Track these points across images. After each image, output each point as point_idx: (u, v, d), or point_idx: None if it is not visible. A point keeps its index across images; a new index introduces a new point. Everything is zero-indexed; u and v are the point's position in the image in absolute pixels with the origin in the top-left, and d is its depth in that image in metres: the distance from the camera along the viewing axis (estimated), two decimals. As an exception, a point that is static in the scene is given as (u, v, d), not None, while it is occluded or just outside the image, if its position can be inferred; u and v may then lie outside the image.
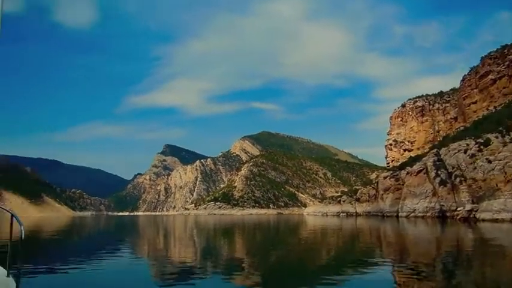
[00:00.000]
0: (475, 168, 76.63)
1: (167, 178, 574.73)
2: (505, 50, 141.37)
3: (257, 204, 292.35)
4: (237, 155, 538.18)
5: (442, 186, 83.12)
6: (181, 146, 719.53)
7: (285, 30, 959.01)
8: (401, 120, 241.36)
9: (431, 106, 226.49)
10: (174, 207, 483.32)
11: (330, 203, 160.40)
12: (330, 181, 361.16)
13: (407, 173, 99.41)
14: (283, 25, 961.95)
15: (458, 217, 73.18)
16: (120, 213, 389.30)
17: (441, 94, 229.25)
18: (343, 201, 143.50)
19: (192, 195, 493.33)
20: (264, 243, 36.66)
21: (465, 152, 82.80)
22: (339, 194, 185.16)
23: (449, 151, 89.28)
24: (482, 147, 79.77)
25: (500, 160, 72.62)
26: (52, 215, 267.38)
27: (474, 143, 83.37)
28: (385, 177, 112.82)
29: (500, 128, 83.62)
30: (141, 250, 29.89)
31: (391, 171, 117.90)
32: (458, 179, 80.00)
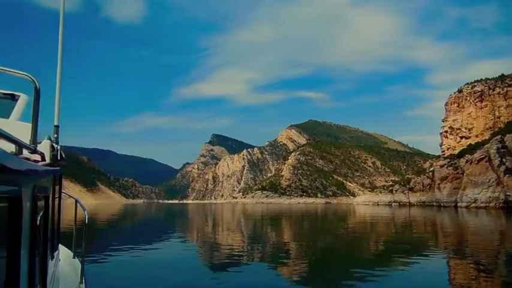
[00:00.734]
0: (545, 155, 70.64)
1: (215, 167, 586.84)
2: None
3: (304, 193, 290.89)
4: (284, 144, 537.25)
5: (507, 175, 77.85)
6: (228, 135, 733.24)
7: (332, 16, 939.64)
8: (457, 106, 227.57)
9: (491, 90, 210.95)
10: (222, 195, 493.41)
11: (381, 193, 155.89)
12: (380, 170, 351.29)
13: (467, 161, 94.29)
14: (330, 11, 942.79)
15: (525, 208, 68.04)
16: (170, 202, 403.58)
17: (502, 77, 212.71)
18: (396, 191, 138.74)
19: (239, 184, 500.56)
20: (311, 232, 35.90)
21: (533, 138, 76.66)
22: (390, 183, 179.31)
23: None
24: (552, 132, 73.32)
25: None
26: (106, 202, 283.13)
27: (543, 128, 76.81)
28: (441, 166, 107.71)
29: None
30: (191, 236, 30.39)
31: (448, 160, 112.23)
32: (525, 168, 74.43)
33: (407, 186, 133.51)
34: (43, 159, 3.71)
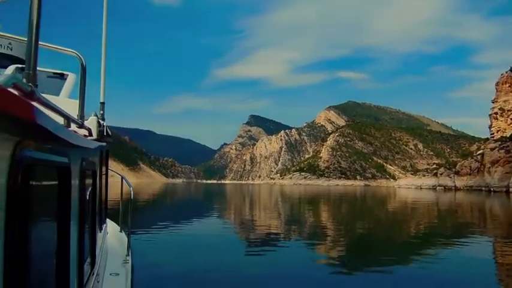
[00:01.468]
0: None
1: (252, 148, 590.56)
2: None
3: (343, 175, 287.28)
4: (322, 126, 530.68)
5: None
6: (266, 116, 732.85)
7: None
8: (509, 86, 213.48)
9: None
10: (259, 176, 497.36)
11: (424, 176, 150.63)
12: (422, 153, 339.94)
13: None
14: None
15: None
16: (208, 181, 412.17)
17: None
18: (441, 174, 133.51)
19: (277, 165, 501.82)
20: (350, 214, 35.24)
21: None
22: (434, 166, 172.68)
23: None
24: None
25: None
26: (147, 181, 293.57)
27: None
28: (492, 149, 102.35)
29: None
30: (230, 216, 30.78)
31: (499, 142, 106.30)
32: None
33: (453, 169, 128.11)
34: (90, 134, 3.85)
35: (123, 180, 6.90)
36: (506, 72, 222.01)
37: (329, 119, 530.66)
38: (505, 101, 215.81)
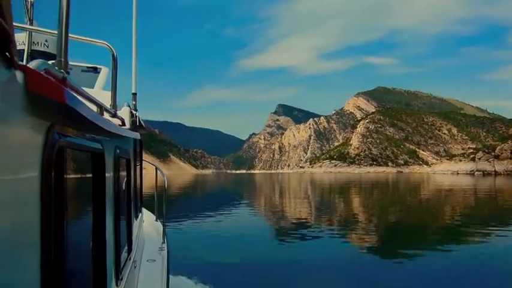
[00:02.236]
0: None
1: (281, 137, 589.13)
2: None
3: (374, 162, 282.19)
4: (351, 113, 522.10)
5: None
6: (293, 105, 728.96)
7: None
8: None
9: None
10: (289, 165, 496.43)
11: (460, 161, 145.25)
12: (456, 137, 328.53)
13: None
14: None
15: None
16: (238, 172, 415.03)
17: None
18: (479, 159, 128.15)
19: (306, 153, 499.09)
20: (382, 202, 34.33)
21: None
22: (471, 150, 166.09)
23: None
24: None
25: None
26: (178, 172, 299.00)
27: None
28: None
29: None
30: (262, 205, 30.74)
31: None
32: None
33: (492, 153, 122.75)
34: (123, 124, 3.90)
35: (157, 171, 6.98)
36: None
37: (358, 106, 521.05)
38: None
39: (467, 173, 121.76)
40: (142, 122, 5.22)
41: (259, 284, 8.77)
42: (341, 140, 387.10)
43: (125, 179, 3.64)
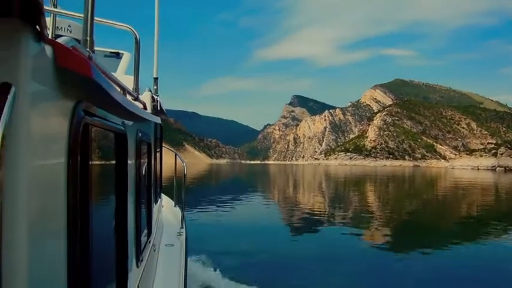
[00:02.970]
0: None
1: (296, 128, 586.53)
2: None
3: (391, 156, 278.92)
4: (368, 105, 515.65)
5: None
6: (309, 96, 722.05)
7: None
8: None
9: None
10: (303, 157, 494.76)
11: (481, 156, 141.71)
12: (475, 132, 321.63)
13: None
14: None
15: None
16: (252, 162, 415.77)
17: None
18: (501, 154, 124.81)
19: (321, 145, 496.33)
20: (398, 196, 33.82)
21: None
22: (492, 145, 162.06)
23: None
24: None
25: None
26: (192, 162, 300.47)
27: None
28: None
29: None
30: (277, 196, 30.88)
31: None
32: None
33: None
34: (145, 108, 3.89)
35: (177, 157, 7.03)
36: None
37: (375, 98, 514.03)
38: None
39: (488, 169, 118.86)
40: (163, 107, 5.30)
41: (273, 271, 8.89)
42: (357, 133, 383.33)
43: (146, 162, 3.63)
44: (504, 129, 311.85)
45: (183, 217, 6.28)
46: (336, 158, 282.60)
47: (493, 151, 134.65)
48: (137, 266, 2.84)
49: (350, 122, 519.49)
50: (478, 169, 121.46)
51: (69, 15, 2.78)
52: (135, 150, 2.74)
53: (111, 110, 1.90)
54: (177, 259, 4.81)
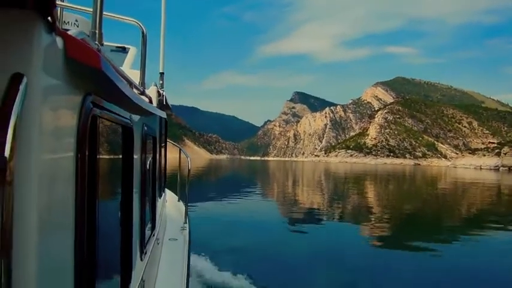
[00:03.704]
0: None
1: (296, 125, 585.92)
2: None
3: (391, 154, 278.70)
4: (368, 102, 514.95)
5: None
6: (310, 93, 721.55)
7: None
8: None
9: None
10: (303, 153, 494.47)
11: (484, 155, 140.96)
12: (476, 131, 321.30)
13: None
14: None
15: None
16: (252, 158, 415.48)
17: None
18: (504, 154, 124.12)
19: (321, 142, 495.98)
20: (398, 194, 33.69)
21: None
22: (495, 145, 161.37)
23: None
24: None
25: None
26: (192, 157, 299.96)
27: None
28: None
29: None
30: (277, 192, 30.79)
31: None
32: None
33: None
34: (150, 102, 3.94)
35: (181, 152, 7.06)
36: None
37: (376, 96, 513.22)
38: None
39: (491, 169, 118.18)
40: (169, 102, 5.37)
41: (274, 266, 8.96)
42: (357, 130, 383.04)
43: (151, 157, 3.67)
44: (506, 128, 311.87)
45: (186, 212, 6.30)
46: (336, 155, 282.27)
47: (496, 150, 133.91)
48: (141, 259, 2.87)
49: (351, 120, 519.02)
50: (481, 168, 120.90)
51: (78, 9, 2.76)
52: (141, 144, 2.76)
53: (119, 103, 1.93)
54: (180, 253, 4.86)
